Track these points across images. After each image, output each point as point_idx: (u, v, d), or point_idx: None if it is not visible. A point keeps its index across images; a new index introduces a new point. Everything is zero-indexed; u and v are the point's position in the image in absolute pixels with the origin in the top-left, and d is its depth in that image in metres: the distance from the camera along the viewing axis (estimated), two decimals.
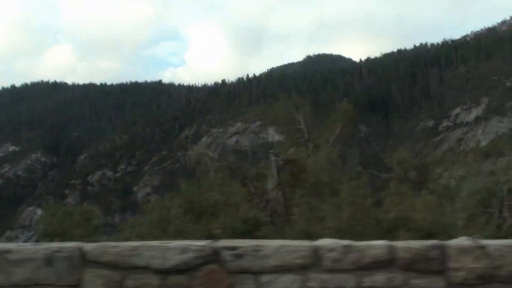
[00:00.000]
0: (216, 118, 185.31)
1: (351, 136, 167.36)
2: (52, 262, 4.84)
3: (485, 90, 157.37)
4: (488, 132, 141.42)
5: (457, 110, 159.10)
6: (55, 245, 4.97)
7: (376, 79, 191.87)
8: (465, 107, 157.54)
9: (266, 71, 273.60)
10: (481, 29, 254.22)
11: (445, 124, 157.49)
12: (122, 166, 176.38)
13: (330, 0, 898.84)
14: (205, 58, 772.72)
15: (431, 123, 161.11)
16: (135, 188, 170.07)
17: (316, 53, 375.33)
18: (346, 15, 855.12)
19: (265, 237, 11.45)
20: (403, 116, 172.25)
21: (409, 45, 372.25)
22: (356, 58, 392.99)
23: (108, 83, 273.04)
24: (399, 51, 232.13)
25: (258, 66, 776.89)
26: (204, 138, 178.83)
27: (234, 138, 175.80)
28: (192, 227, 15.58)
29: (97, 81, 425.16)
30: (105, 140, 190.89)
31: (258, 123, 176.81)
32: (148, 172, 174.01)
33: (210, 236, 12.80)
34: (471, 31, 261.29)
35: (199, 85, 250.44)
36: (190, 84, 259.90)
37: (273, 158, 16.38)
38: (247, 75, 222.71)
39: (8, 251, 4.90)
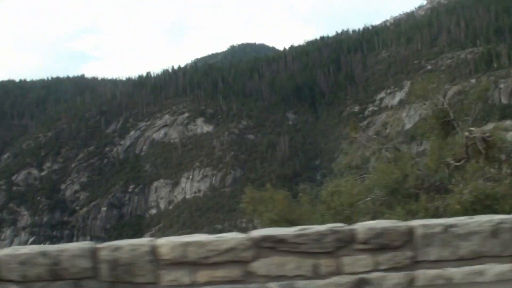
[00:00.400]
0: (143, 111, 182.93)
1: (279, 124, 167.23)
2: (497, 234, 4.99)
3: (407, 74, 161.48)
4: (412, 115, 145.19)
5: (382, 94, 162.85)
6: (498, 217, 5.15)
7: (301, 66, 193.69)
8: (389, 91, 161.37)
9: (191, 62, 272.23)
10: (400, 14, 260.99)
11: (370, 108, 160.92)
12: (48, 164, 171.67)
13: None
14: (128, 51, 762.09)
15: (357, 108, 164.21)
16: (62, 186, 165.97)
17: (239, 42, 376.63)
18: (267, 3, 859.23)
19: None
20: (329, 102, 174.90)
21: (331, 32, 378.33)
22: (279, 46, 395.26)
23: (28, 79, 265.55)
24: (322, 38, 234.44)
25: (182, 57, 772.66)
26: (132, 132, 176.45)
27: (162, 131, 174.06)
28: (397, 208, 15.84)
29: (16, 77, 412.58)
30: (28, 138, 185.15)
31: (186, 114, 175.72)
32: (76, 169, 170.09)
33: (436, 215, 13.00)
34: (391, 16, 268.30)
35: (124, 78, 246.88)
36: (114, 78, 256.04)
37: (467, 134, 16.78)
38: (172, 66, 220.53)
39: (453, 226, 5.02)
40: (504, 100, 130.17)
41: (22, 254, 4.53)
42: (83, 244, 4.77)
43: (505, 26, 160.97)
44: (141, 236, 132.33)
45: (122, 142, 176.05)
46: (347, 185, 18.34)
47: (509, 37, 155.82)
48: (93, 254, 4.66)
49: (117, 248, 4.70)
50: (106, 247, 4.70)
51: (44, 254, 4.54)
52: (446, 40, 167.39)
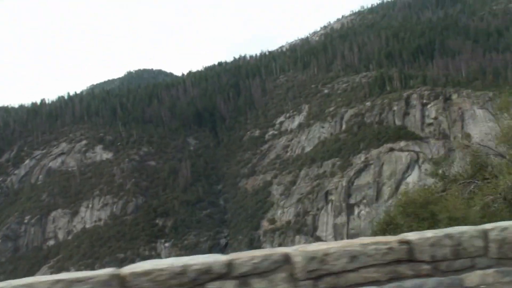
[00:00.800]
0: (38, 139, 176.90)
1: (180, 150, 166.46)
2: None
3: (305, 98, 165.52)
4: (311, 138, 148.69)
5: (281, 118, 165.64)
6: None
7: (201, 92, 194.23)
8: (288, 115, 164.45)
9: (87, 88, 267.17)
10: (295, 40, 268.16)
11: (271, 132, 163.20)
12: None
13: (144, 15, 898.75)
14: (20, 78, 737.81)
15: (257, 132, 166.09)
16: None
17: (136, 68, 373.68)
18: (162, 29, 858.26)
19: None
20: (230, 127, 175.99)
21: (229, 58, 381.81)
22: (177, 72, 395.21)
23: None
24: (220, 63, 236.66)
25: (78, 83, 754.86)
26: (27, 161, 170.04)
27: (59, 159, 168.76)
28: None
29: None
30: None
31: (84, 142, 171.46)
32: None
33: None
34: (286, 42, 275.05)
35: (16, 106, 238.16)
36: (6, 105, 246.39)
37: None
38: (68, 93, 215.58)
39: None
40: (397, 122, 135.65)
41: (431, 237, 5.17)
42: (478, 226, 5.46)
43: (395, 51, 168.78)
44: (38, 269, 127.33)
45: (16, 172, 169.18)
46: (457, 190, 20.37)
47: (399, 61, 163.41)
48: (485, 234, 5.31)
49: (504, 229, 5.34)
50: (495, 228, 5.35)
51: (449, 236, 5.23)
52: (341, 65, 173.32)
